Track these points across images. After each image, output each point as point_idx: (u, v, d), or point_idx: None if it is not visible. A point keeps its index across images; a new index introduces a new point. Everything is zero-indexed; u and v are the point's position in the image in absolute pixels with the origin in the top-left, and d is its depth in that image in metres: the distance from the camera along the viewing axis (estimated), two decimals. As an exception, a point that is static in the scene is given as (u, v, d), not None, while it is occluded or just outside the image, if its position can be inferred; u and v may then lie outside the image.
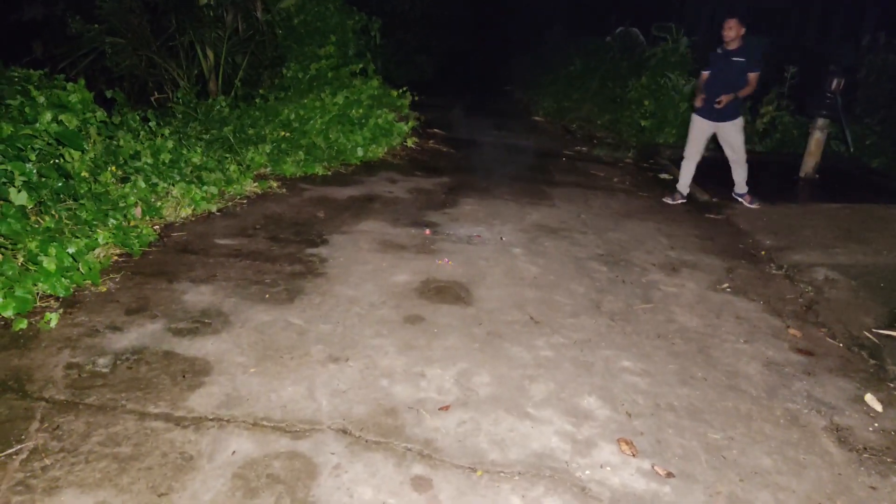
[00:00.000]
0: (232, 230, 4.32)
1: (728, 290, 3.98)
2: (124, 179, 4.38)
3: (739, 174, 5.77)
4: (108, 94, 5.54)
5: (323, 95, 7.06)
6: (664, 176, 7.08)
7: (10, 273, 3.04)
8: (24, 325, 2.87)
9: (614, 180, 6.77)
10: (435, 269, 3.91)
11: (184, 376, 2.61)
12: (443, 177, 6.30)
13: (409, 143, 7.46)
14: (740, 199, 5.81)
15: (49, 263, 3.14)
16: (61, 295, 3.14)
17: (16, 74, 4.79)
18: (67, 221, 3.62)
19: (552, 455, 2.30)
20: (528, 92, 13.20)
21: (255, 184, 5.29)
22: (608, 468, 2.26)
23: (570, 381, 2.79)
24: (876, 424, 2.67)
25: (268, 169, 5.81)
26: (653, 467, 2.28)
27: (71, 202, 3.85)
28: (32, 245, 3.20)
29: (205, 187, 4.76)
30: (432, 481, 2.13)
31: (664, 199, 5.96)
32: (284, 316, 3.17)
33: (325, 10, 8.44)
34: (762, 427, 2.58)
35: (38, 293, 3.11)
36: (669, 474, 2.25)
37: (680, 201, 5.92)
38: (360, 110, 7.10)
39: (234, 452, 2.19)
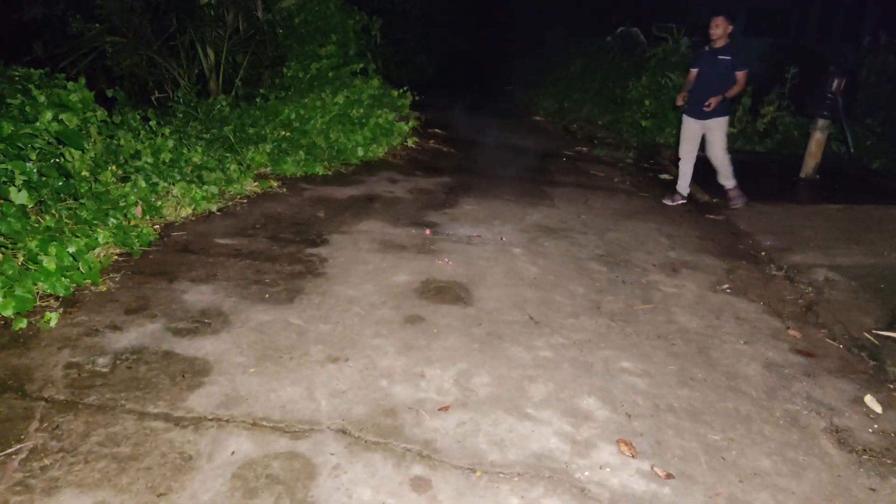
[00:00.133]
0: (232, 230, 4.32)
1: (728, 290, 3.98)
2: (125, 179, 4.38)
3: (722, 173, 5.74)
4: (109, 93, 5.55)
5: (323, 95, 7.06)
6: (664, 176, 7.08)
7: (10, 272, 3.04)
8: (23, 324, 2.87)
9: (615, 180, 6.77)
10: (435, 269, 3.91)
11: (183, 376, 2.61)
12: (443, 177, 6.30)
13: (410, 142, 7.46)
14: (727, 192, 5.77)
15: (49, 263, 3.14)
16: (61, 294, 3.14)
17: (16, 74, 4.79)
18: (68, 221, 3.62)
19: (551, 456, 2.30)
20: (528, 92, 13.19)
21: (256, 183, 5.29)
22: (608, 469, 2.26)
23: (570, 382, 2.79)
24: (876, 426, 2.67)
25: (268, 168, 5.81)
26: (652, 468, 2.28)
27: (71, 201, 3.86)
28: (33, 244, 3.20)
29: (205, 187, 4.76)
30: (431, 482, 2.13)
31: (664, 201, 5.96)
32: (284, 316, 3.17)
33: (325, 9, 8.44)
34: (762, 428, 2.58)
35: (38, 292, 3.11)
36: (669, 475, 2.25)
37: (680, 202, 5.92)
38: (361, 110, 7.10)
39: (233, 453, 2.19)
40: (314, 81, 7.54)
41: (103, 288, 3.31)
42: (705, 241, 4.90)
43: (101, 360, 2.67)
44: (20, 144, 3.67)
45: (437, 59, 15.46)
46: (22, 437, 2.18)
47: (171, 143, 4.92)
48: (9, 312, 2.89)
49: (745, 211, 5.65)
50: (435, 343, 3.02)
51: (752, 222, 5.38)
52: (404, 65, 13.21)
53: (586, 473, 2.23)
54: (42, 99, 4.07)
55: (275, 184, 5.40)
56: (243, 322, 3.08)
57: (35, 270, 3.14)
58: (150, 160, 4.64)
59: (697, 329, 3.42)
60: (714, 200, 5.95)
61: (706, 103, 5.31)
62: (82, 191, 3.91)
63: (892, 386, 3.00)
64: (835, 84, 6.63)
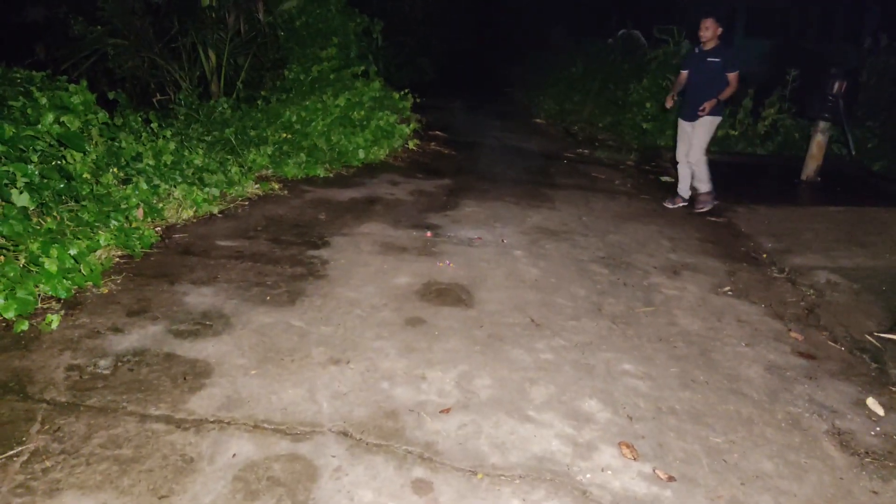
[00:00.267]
0: (233, 232, 4.32)
1: (729, 293, 3.97)
2: (126, 181, 4.38)
3: (697, 175, 5.70)
4: (111, 95, 5.56)
5: (325, 97, 7.07)
6: (666, 178, 7.08)
7: (12, 274, 3.04)
8: (25, 326, 2.87)
9: (616, 183, 6.77)
10: (436, 271, 3.91)
11: (185, 378, 2.61)
12: (444, 179, 6.30)
13: (411, 145, 7.46)
14: (699, 196, 5.73)
15: (51, 265, 3.14)
16: (63, 296, 3.15)
17: (18, 76, 4.81)
18: (69, 223, 3.62)
19: (553, 458, 2.30)
20: (529, 93, 13.20)
21: (257, 185, 5.30)
22: (609, 472, 2.26)
23: (571, 384, 2.79)
24: (878, 428, 2.67)
25: (269, 171, 5.82)
26: (654, 471, 2.28)
27: (73, 203, 3.86)
28: (34, 246, 3.20)
29: (206, 189, 4.77)
30: (433, 484, 2.13)
31: (665, 203, 5.95)
32: (285, 318, 3.17)
33: (326, 11, 8.44)
34: (764, 431, 2.58)
35: (39, 295, 3.11)
36: (671, 478, 2.25)
37: (681, 204, 5.91)
38: (362, 112, 7.10)
39: (234, 455, 2.18)
40: (315, 84, 7.54)
41: (105, 290, 3.31)
42: (706, 244, 4.90)
43: (102, 362, 2.67)
44: (22, 147, 3.67)
45: (437, 60, 15.47)
46: (23, 439, 2.18)
47: (172, 146, 4.92)
48: (10, 314, 2.90)
49: (746, 213, 5.65)
50: (436, 345, 3.02)
51: (753, 224, 5.37)
52: (405, 66, 13.22)
53: (588, 476, 2.23)
54: (44, 101, 4.07)
55: (276, 186, 5.40)
56: (244, 324, 3.08)
57: (36, 272, 3.14)
58: (151, 162, 4.64)
59: (699, 331, 3.42)
60: (715, 202, 5.94)
61: (701, 108, 5.30)
62: (84, 193, 3.92)
63: (894, 388, 3.00)
64: (836, 86, 6.62)
